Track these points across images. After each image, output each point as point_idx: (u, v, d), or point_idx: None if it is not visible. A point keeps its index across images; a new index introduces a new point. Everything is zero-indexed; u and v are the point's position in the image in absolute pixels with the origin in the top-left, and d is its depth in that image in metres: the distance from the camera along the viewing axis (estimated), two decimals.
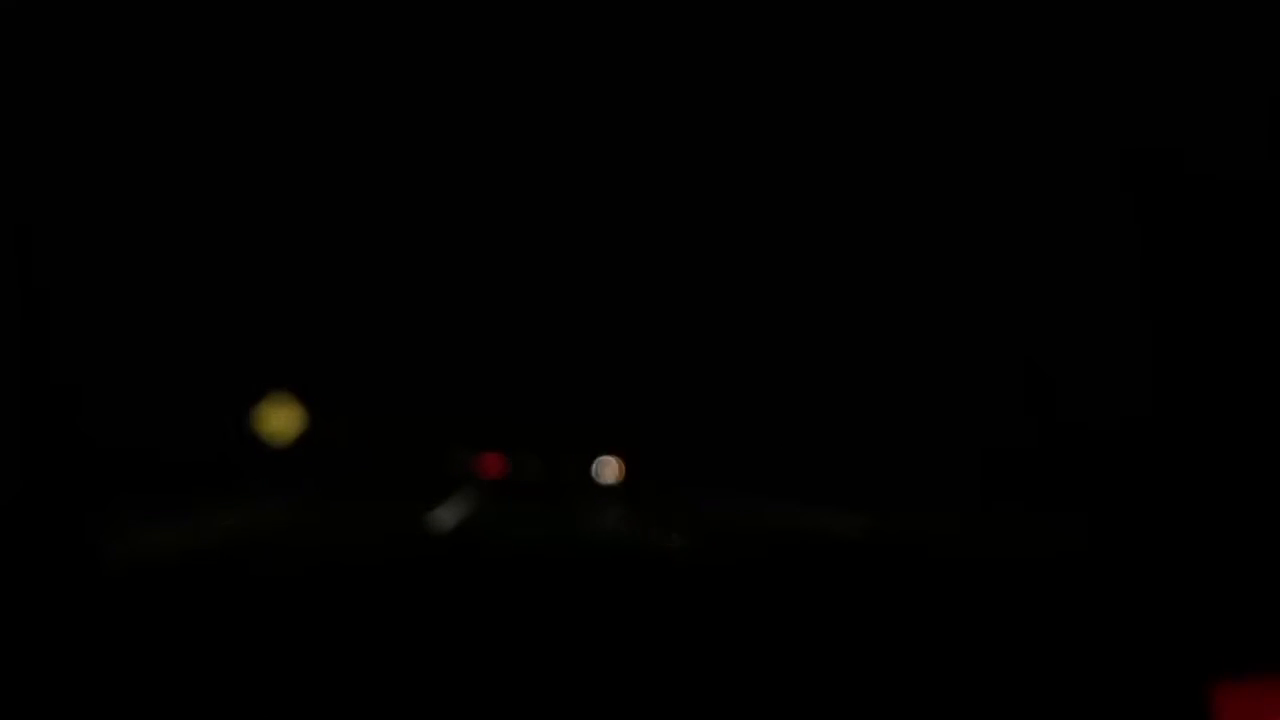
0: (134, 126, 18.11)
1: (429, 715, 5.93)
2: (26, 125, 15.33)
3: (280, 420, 24.71)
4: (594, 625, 8.67)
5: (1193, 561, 12.73)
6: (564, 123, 27.28)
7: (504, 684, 6.53)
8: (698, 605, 9.97)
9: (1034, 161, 19.67)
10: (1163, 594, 10.65)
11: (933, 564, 13.78)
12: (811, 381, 28.27)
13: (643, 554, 14.61)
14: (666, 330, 33.55)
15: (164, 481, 17.85)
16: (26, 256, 15.08)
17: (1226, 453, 15.46)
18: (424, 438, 34.66)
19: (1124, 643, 8.05)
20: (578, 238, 31.64)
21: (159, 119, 18.67)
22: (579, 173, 28.88)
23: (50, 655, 6.99)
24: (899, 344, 24.21)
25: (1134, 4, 17.13)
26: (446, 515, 20.64)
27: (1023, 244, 20.38)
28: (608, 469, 37.35)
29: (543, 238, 31.44)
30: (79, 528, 13.07)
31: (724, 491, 28.03)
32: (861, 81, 22.29)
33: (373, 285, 28.51)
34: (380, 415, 31.84)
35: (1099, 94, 18.00)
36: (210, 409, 21.38)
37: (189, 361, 20.26)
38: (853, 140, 23.64)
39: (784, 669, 7.12)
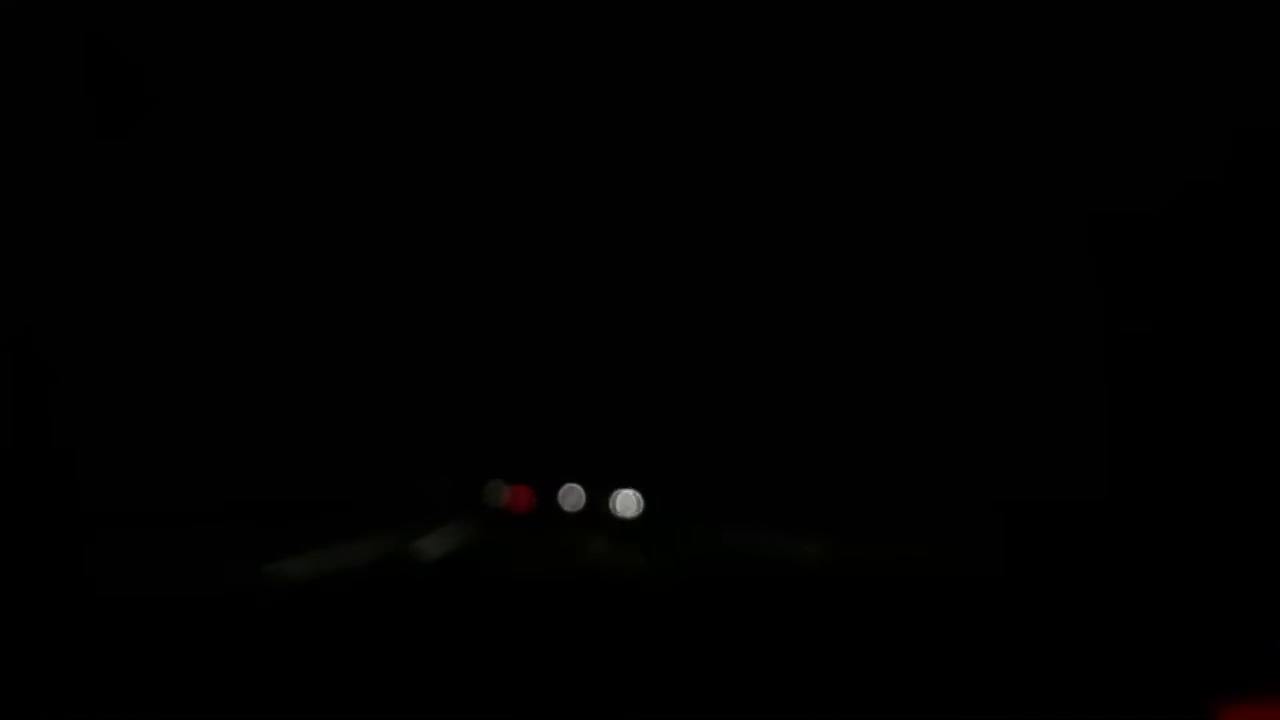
0: (140, 134, 18.10)
1: None
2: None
3: None
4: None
5: (1193, 581, 12.71)
6: (576, 155, 27.42)
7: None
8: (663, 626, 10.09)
9: (997, 220, 19.86)
10: (1164, 615, 10.63)
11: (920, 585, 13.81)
12: (799, 410, 28.32)
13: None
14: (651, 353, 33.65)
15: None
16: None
17: (1222, 473, 15.48)
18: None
19: (1126, 664, 8.02)
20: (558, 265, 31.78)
21: (161, 124, 18.66)
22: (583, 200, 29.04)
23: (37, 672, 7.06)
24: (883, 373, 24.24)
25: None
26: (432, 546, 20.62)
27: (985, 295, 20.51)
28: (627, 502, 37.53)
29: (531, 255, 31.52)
30: (75, 558, 13.27)
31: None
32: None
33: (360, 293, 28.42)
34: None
35: (1067, 155, 18.17)
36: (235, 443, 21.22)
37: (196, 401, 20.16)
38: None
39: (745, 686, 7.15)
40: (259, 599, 11.54)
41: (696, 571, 15.79)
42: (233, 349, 21.21)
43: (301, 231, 23.64)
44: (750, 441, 30.03)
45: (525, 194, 28.86)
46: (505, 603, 11.97)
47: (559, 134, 26.89)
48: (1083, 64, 17.60)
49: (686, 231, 29.09)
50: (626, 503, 36.91)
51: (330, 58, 21.59)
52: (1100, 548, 15.65)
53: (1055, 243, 18.86)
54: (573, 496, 38.31)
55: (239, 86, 19.95)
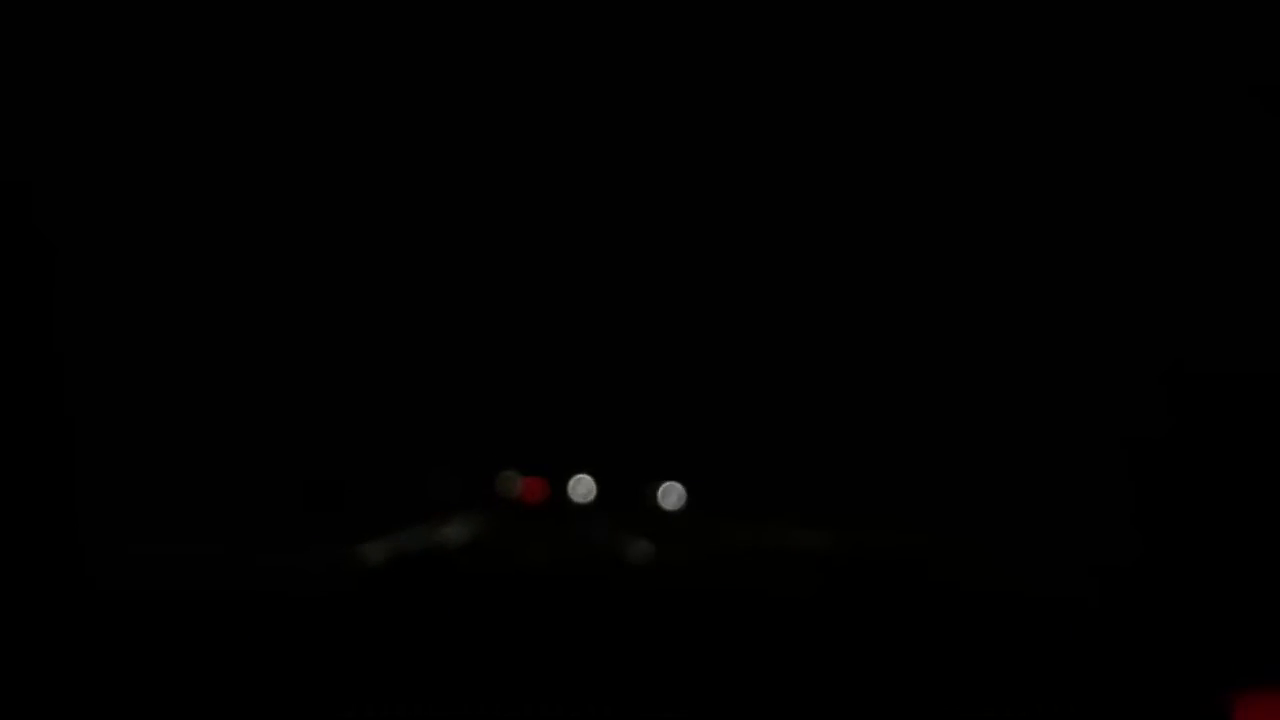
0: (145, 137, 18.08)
1: None
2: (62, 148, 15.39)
3: None
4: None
5: (1208, 570, 12.71)
6: (595, 139, 27.32)
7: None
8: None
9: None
10: (1180, 607, 10.62)
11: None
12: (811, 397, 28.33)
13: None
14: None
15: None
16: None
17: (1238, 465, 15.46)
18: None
19: (1141, 653, 8.01)
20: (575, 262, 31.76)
21: (165, 126, 18.64)
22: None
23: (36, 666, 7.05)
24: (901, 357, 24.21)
25: None
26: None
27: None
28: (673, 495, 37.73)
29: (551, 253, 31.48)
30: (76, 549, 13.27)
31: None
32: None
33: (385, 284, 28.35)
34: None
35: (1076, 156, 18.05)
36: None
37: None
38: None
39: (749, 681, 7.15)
40: (265, 595, 11.53)
41: (703, 563, 15.81)
42: (232, 347, 21.20)
43: (304, 229, 23.64)
44: (760, 435, 30.10)
45: (540, 180, 28.79)
46: (511, 595, 11.97)
47: (574, 115, 26.83)
48: (1111, 64, 17.55)
49: (691, 240, 29.13)
50: (680, 497, 37.10)
51: (329, 55, 21.58)
52: (1113, 538, 15.65)
53: (1073, 238, 18.83)
54: (582, 487, 38.43)
55: (239, 86, 19.94)
